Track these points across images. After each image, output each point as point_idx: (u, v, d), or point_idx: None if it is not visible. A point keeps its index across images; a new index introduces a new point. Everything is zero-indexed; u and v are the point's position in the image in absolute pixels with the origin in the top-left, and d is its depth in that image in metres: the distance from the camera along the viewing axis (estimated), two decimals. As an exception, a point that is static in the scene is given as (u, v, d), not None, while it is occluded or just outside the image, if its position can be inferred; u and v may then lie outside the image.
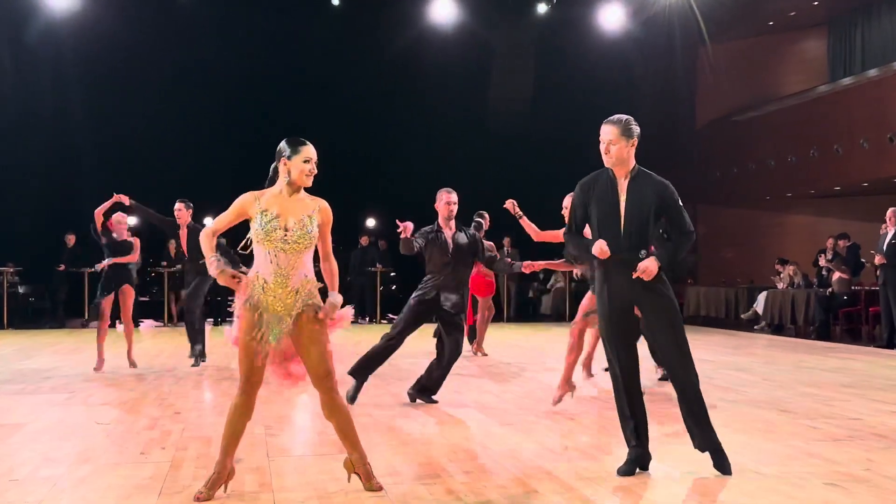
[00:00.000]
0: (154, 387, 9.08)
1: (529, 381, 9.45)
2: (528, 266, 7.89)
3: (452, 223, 7.75)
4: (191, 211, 10.66)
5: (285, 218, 4.64)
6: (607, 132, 5.10)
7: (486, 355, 12.04)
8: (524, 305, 20.96)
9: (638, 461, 5.09)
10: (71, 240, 17.89)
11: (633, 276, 4.91)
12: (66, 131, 18.90)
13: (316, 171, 4.77)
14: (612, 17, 19.73)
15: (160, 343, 14.30)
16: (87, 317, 17.37)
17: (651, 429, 5.23)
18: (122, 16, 18.60)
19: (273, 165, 4.78)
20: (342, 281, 5.45)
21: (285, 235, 4.61)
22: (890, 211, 12.48)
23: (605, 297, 5.06)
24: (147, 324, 18.35)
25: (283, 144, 4.74)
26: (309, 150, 4.74)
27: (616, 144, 5.07)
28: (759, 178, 18.97)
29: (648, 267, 4.88)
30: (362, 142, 20.32)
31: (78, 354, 12.62)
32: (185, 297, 12.54)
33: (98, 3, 18.30)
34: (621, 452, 5.20)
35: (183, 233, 10.73)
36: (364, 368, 7.66)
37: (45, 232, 18.43)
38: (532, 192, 19.92)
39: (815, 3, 19.09)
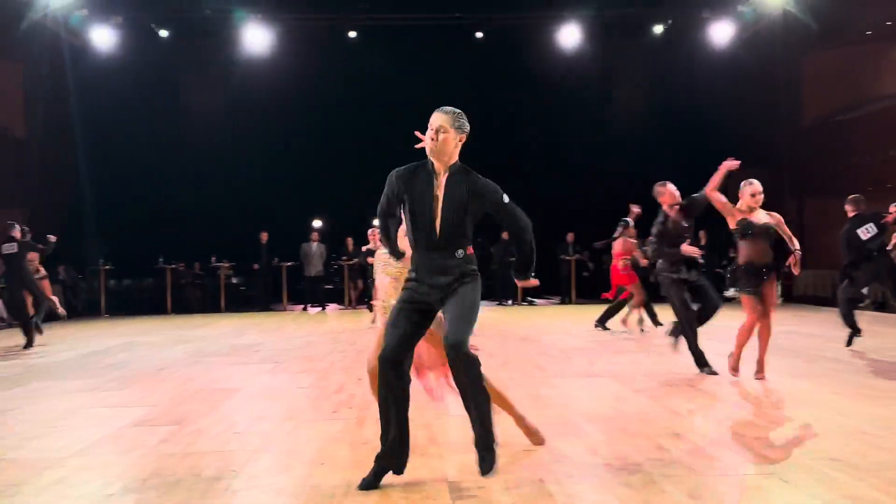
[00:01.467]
0: (340, 358, 9.36)
1: (654, 354, 9.25)
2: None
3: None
4: None
5: None
6: (439, 119, 4.13)
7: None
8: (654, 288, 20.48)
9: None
10: (264, 237, 18.72)
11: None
12: (264, 151, 19.64)
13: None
14: (720, 34, 19.27)
15: (343, 322, 14.70)
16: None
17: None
18: (305, 51, 19.23)
19: None
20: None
21: None
22: None
23: (406, 290, 4.16)
24: (332, 307, 18.99)
25: None
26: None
27: (446, 133, 4.10)
28: (860, 172, 17.97)
29: (529, 283, 4.26)
30: (514, 153, 20.19)
31: (279, 332, 13.10)
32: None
33: (287, 43, 19.01)
34: (740, 415, 5.03)
35: None
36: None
37: (251, 232, 19.12)
38: (649, 186, 19.64)
39: (912, 12, 18.02)
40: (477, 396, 3.99)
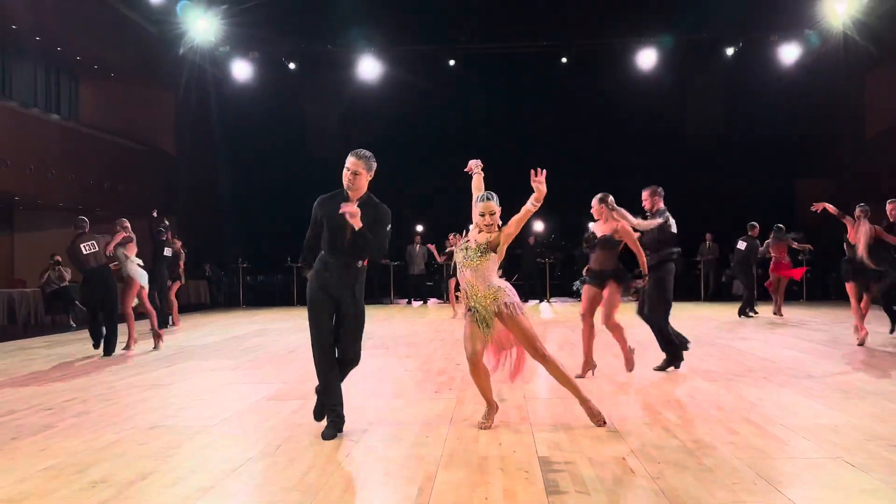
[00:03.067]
0: (440, 345, 9.42)
1: (725, 348, 8.97)
2: None
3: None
4: None
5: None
6: (355, 164, 4.56)
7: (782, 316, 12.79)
8: (718, 287, 19.87)
9: None
10: None
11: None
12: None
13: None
14: (788, 55, 18.64)
15: (442, 314, 14.79)
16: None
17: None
18: (411, 78, 19.42)
19: None
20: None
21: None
22: None
23: (311, 287, 4.65)
24: (432, 301, 19.14)
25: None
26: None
27: (359, 175, 4.55)
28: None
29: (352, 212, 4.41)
30: (596, 169, 19.92)
31: (388, 322, 13.29)
32: None
33: (395, 71, 19.27)
34: (807, 403, 4.81)
35: None
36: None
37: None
38: (723, 194, 19.07)
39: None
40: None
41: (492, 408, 4.83)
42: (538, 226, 22.39)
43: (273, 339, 10.57)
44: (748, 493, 3.42)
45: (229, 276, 20.15)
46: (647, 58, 18.86)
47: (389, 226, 4.67)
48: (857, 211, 9.01)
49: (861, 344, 8.52)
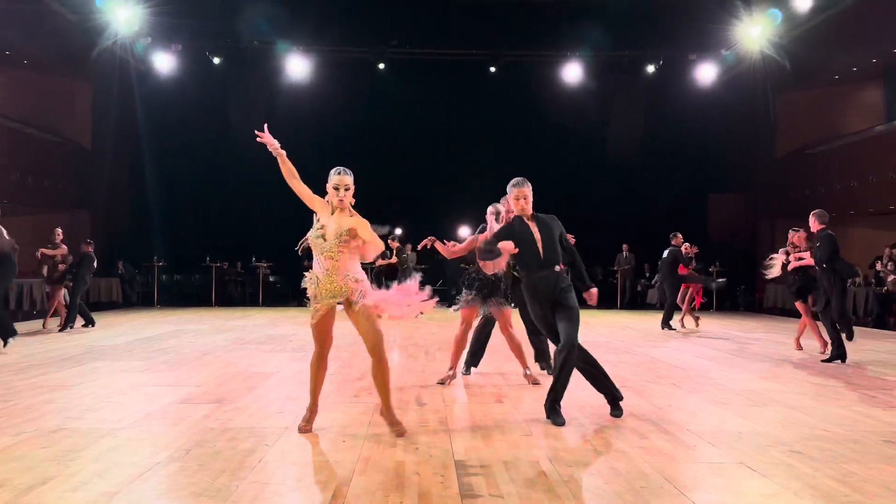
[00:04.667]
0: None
1: (639, 356, 9.21)
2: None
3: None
4: None
5: (326, 230, 4.55)
6: (346, 180, 4.69)
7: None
8: (634, 296, 20.45)
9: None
10: None
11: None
12: (301, 167, 19.62)
13: (343, 197, 4.56)
14: (706, 74, 19.39)
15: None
16: None
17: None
18: (339, 79, 19.31)
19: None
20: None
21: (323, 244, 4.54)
22: None
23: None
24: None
25: (331, 172, 4.62)
26: (336, 179, 4.57)
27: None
28: (827, 200, 17.85)
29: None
30: (518, 175, 20.18)
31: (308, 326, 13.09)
32: None
33: (324, 71, 19.13)
34: (714, 410, 4.96)
35: None
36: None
37: (289, 237, 19.12)
38: (640, 206, 19.63)
39: (874, 60, 17.93)
40: None
41: (313, 412, 4.79)
42: (464, 231, 22.52)
43: (188, 340, 10.29)
44: (655, 496, 3.51)
45: (144, 274, 19.51)
46: (572, 72, 19.32)
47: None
48: (798, 236, 9.40)
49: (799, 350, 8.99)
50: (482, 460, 4.08)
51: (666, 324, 12.83)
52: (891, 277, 14.18)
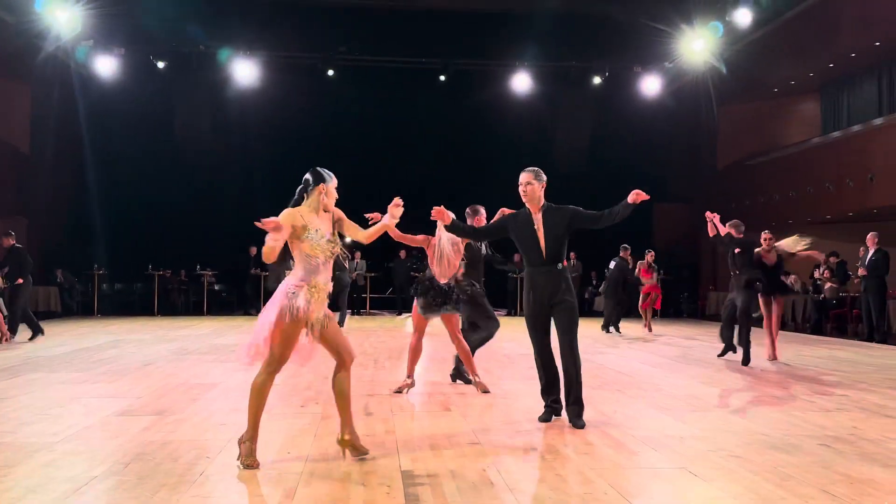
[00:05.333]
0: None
1: (585, 362, 9.28)
2: None
3: None
4: None
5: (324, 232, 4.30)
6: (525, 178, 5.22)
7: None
8: (581, 304, 20.69)
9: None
10: (253, 251, 18.24)
11: None
12: (249, 173, 19.39)
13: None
14: (650, 86, 19.72)
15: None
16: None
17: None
18: (287, 85, 19.15)
19: (300, 189, 4.39)
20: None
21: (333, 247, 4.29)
22: (869, 235, 12.11)
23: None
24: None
25: (322, 173, 4.37)
26: (334, 182, 4.39)
27: (532, 185, 5.27)
28: (767, 209, 18.40)
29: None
30: (465, 181, 20.29)
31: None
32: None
33: (272, 76, 18.93)
34: (657, 416, 5.05)
35: None
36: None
37: (234, 244, 18.78)
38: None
39: (811, 74, 18.59)
40: None
41: (255, 441, 4.25)
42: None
43: (129, 351, 10.04)
44: (599, 502, 3.55)
45: (84, 283, 18.96)
46: (520, 82, 19.45)
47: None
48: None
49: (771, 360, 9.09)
50: (428, 470, 4.07)
51: (607, 327, 13.22)
52: (828, 285, 14.66)
